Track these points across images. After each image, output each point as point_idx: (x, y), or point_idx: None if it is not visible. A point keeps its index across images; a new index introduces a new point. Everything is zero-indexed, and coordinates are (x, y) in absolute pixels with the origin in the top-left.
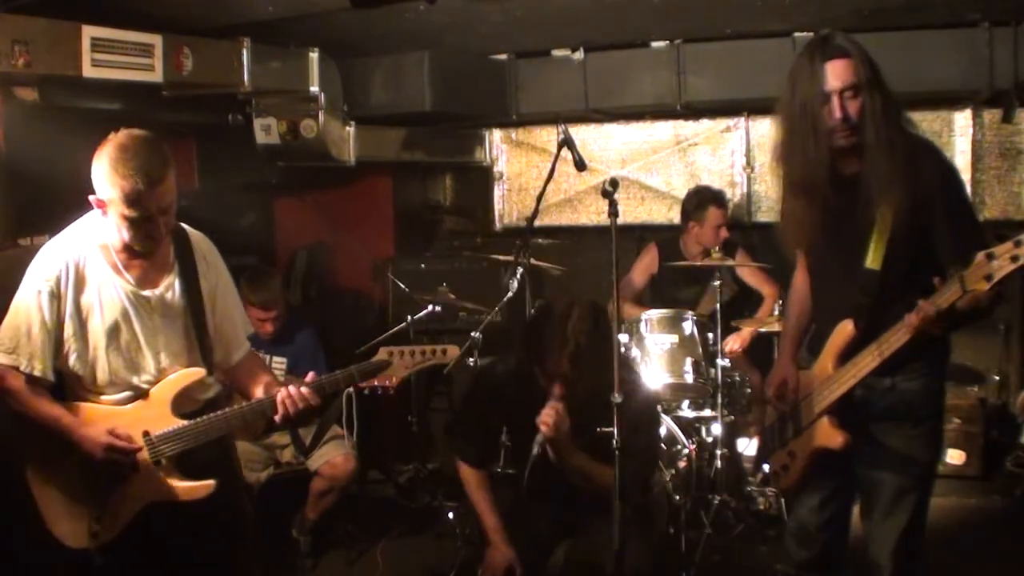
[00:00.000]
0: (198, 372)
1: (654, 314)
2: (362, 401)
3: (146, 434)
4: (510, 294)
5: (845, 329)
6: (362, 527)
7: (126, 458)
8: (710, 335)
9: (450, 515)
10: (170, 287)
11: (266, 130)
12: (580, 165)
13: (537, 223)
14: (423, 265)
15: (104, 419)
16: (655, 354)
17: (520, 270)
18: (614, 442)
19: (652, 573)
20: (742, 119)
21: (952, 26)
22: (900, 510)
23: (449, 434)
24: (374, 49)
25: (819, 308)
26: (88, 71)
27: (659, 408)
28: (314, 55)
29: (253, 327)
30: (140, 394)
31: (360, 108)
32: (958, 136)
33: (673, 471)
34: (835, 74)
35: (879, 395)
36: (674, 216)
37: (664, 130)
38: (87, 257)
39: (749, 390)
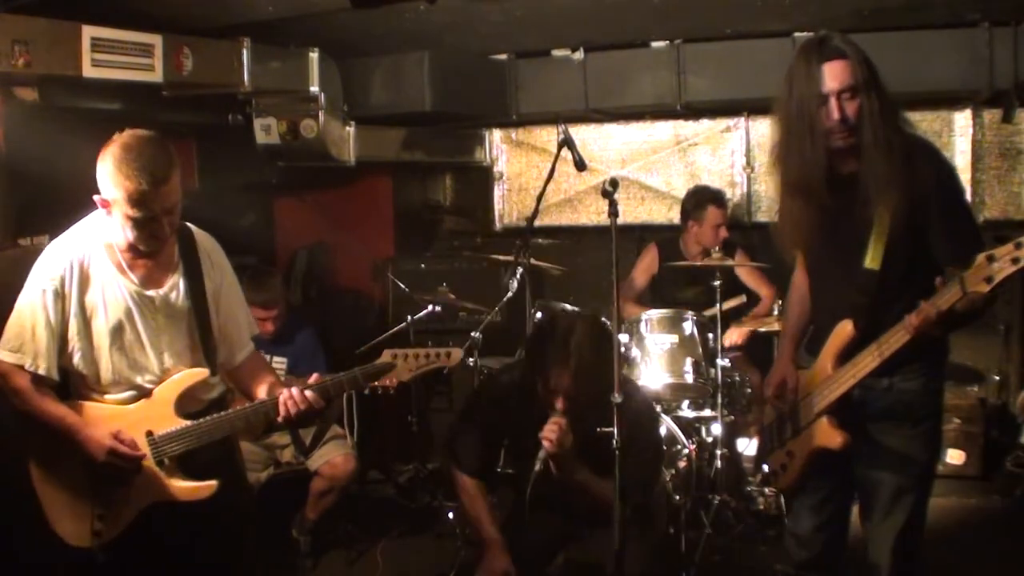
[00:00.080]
0: (202, 372)
1: (654, 314)
2: (362, 401)
3: (149, 434)
4: (510, 294)
5: (844, 329)
6: (362, 527)
7: (129, 464)
8: (710, 335)
9: (450, 515)
10: (174, 287)
11: (266, 130)
12: (580, 165)
13: (537, 223)
14: (423, 265)
15: (108, 418)
16: (655, 354)
17: (520, 270)
18: (614, 442)
19: (652, 573)
20: (742, 119)
21: (952, 26)
22: (898, 510)
23: (447, 445)
24: (374, 49)
25: (818, 308)
26: (88, 71)
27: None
28: (314, 55)
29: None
30: (144, 394)
31: (360, 108)
32: (958, 136)
33: (673, 471)
34: (833, 75)
35: (877, 395)
36: (674, 216)
37: (664, 130)
38: (92, 256)
39: (749, 390)
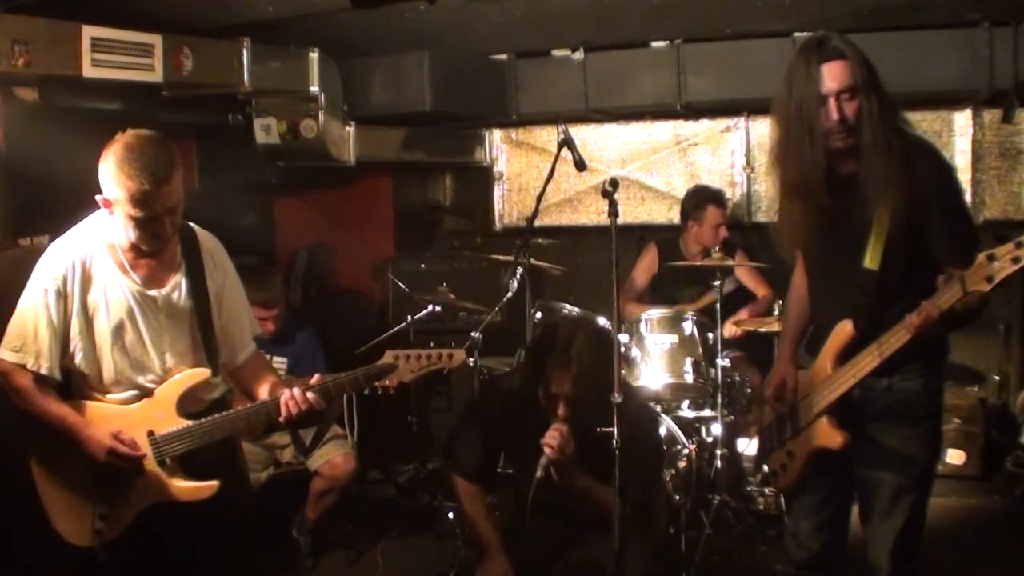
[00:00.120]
0: (203, 372)
1: (654, 314)
2: (362, 401)
3: (151, 433)
4: (510, 294)
5: (844, 329)
6: (362, 527)
7: (129, 464)
8: (710, 335)
9: (450, 515)
10: (177, 287)
11: (266, 130)
12: (580, 165)
13: (537, 223)
14: (423, 265)
15: (109, 418)
16: (655, 354)
17: (520, 270)
18: (614, 442)
19: (652, 573)
20: (742, 119)
21: (952, 26)
22: (898, 510)
23: (447, 449)
24: (374, 49)
25: (817, 308)
26: (88, 71)
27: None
28: (314, 55)
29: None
30: (146, 393)
31: (360, 108)
32: (958, 136)
33: (673, 471)
34: (832, 76)
35: (877, 395)
36: (674, 216)
37: (664, 130)
38: (94, 256)
39: (749, 390)
